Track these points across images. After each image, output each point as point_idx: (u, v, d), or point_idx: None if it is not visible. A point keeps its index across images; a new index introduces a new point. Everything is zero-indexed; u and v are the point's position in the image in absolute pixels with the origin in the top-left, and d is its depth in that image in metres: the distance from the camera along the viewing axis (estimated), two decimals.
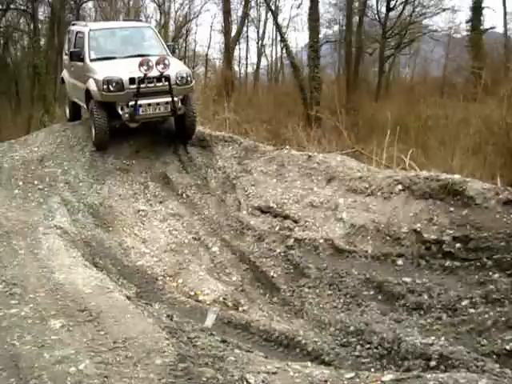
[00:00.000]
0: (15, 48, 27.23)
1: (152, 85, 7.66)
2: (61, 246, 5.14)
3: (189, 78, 8.06)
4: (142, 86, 7.59)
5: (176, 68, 8.01)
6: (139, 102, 7.67)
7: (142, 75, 7.52)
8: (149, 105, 7.78)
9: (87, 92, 8.14)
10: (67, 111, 10.06)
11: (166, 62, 7.62)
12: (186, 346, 3.21)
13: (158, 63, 7.57)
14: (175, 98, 7.82)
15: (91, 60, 8.35)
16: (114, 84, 7.66)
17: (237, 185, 7.27)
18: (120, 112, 7.80)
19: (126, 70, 7.82)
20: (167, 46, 9.07)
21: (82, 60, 8.46)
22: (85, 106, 8.62)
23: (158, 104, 7.80)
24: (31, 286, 4.00)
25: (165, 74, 7.60)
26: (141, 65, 7.51)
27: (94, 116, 7.95)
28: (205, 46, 33.02)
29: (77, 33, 9.24)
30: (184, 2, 28.74)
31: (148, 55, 8.13)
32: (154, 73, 7.57)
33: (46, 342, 3.12)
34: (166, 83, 7.65)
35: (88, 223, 6.82)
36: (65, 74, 10.05)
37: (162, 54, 8.39)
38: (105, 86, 7.68)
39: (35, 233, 5.54)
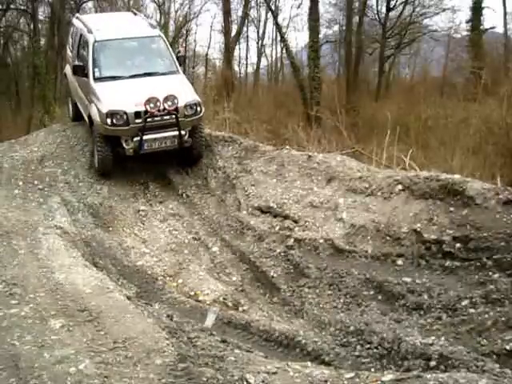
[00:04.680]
0: (15, 48, 27.19)
1: (159, 118, 7.24)
2: (61, 246, 5.14)
3: (198, 108, 7.60)
4: (149, 120, 7.18)
5: (185, 97, 7.51)
6: (145, 138, 7.24)
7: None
8: (155, 139, 7.33)
9: (90, 117, 7.74)
10: (70, 110, 9.74)
11: (175, 100, 7.22)
12: (186, 346, 3.21)
13: (165, 100, 7.19)
14: (182, 132, 7.41)
15: (95, 79, 7.77)
16: (118, 118, 7.20)
17: (237, 185, 7.27)
18: (124, 145, 7.36)
19: (131, 99, 7.28)
20: (177, 57, 8.42)
21: (86, 76, 7.90)
22: (87, 121, 8.18)
23: (164, 138, 7.37)
24: (31, 286, 4.00)
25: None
26: (148, 102, 7.11)
27: (96, 146, 7.55)
28: (205, 46, 32.95)
29: (81, 35, 8.65)
30: (184, 2, 28.71)
31: (156, 73, 7.90)
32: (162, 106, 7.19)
33: (46, 341, 3.12)
34: (174, 117, 7.26)
35: (88, 223, 6.83)
36: (68, 70, 9.52)
37: (171, 70, 8.06)
38: (108, 120, 7.21)
39: (35, 233, 5.54)
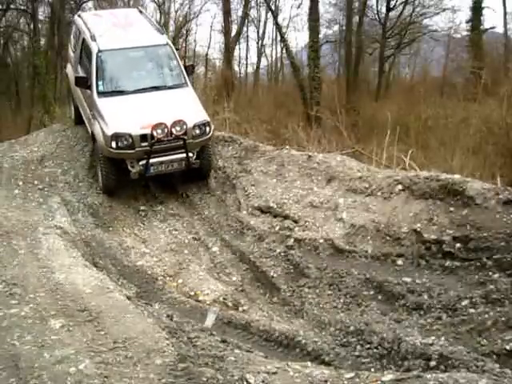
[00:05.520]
0: (15, 48, 27.19)
1: (165, 140, 6.88)
2: (61, 246, 5.14)
3: (207, 129, 7.21)
4: (155, 144, 6.83)
5: (193, 117, 7.13)
6: (151, 161, 6.90)
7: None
8: (161, 163, 7.00)
9: (93, 134, 7.40)
10: (72, 112, 9.41)
11: (184, 126, 6.90)
12: (186, 346, 3.21)
13: (173, 125, 6.86)
14: (190, 154, 7.08)
15: (99, 93, 7.34)
16: (123, 140, 6.82)
17: (237, 185, 7.27)
18: (129, 167, 7.02)
19: (137, 120, 6.90)
20: (185, 67, 8.01)
21: (89, 88, 7.49)
22: (90, 133, 7.82)
23: (171, 161, 7.04)
24: (31, 286, 4.00)
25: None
26: (155, 128, 6.77)
27: (100, 166, 7.27)
28: (205, 46, 32.96)
29: (83, 41, 8.15)
30: (184, 2, 28.70)
31: (163, 87, 7.57)
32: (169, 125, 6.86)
33: (46, 341, 3.12)
34: (182, 140, 6.94)
35: (88, 223, 6.83)
36: (69, 70, 9.27)
37: (179, 83, 7.70)
38: (113, 143, 6.83)
39: (35, 233, 5.54)
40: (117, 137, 6.82)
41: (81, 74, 8.15)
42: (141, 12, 9.13)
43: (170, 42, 8.26)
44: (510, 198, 4.78)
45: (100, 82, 7.44)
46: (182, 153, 7.03)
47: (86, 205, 7.23)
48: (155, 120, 6.82)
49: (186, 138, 6.91)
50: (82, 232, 6.44)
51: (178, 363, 2.85)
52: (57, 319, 3.41)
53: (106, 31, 8.01)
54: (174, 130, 6.85)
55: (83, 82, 7.59)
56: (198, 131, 7.11)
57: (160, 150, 6.91)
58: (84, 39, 8.13)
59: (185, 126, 6.89)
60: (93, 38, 7.77)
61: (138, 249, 6.39)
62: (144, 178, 7.18)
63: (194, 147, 7.16)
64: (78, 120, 8.84)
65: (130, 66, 7.84)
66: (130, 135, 6.82)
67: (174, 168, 7.14)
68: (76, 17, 9.18)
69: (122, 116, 7.04)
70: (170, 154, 6.99)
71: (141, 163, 6.93)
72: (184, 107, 7.30)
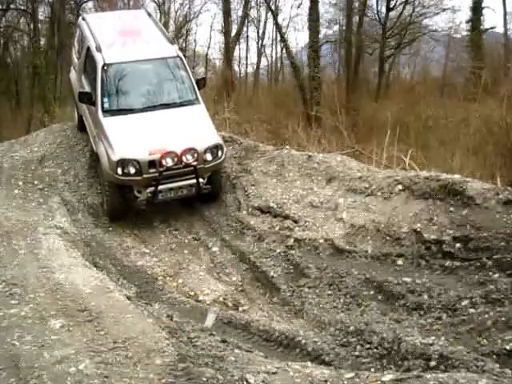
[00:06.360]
0: (15, 48, 27.23)
1: (175, 167, 6.46)
2: (61, 246, 5.14)
3: (220, 152, 6.75)
4: (164, 171, 6.40)
5: (206, 141, 6.68)
6: (159, 187, 6.48)
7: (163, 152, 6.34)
8: (170, 189, 6.57)
9: (97, 155, 6.97)
10: (76, 119, 8.96)
11: (195, 154, 6.47)
12: (186, 346, 3.21)
13: (184, 153, 6.42)
14: (201, 179, 6.67)
15: (104, 112, 6.86)
16: (129, 167, 6.36)
17: (237, 185, 7.27)
18: (136, 194, 6.59)
19: (145, 144, 6.42)
20: (197, 81, 7.45)
21: (94, 104, 7.01)
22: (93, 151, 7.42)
23: (180, 187, 6.61)
24: (31, 286, 4.00)
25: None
26: (164, 156, 6.33)
27: (105, 191, 6.85)
28: (205, 46, 33.07)
29: (88, 49, 7.61)
30: (184, 2, 28.79)
31: (173, 104, 7.09)
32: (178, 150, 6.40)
33: (45, 341, 3.12)
34: (192, 167, 6.51)
35: (88, 223, 6.83)
36: (73, 76, 8.83)
37: (189, 100, 7.22)
38: (119, 170, 6.37)
39: (35, 233, 5.54)
40: (123, 162, 6.36)
41: (85, 83, 7.79)
42: (149, 15, 8.62)
43: (180, 54, 7.65)
44: (510, 198, 4.78)
45: (105, 99, 6.96)
46: (192, 178, 6.62)
47: (85, 205, 7.23)
48: (164, 145, 6.40)
49: (196, 164, 6.52)
50: (81, 232, 6.44)
51: (178, 363, 2.85)
52: (57, 319, 3.41)
53: (112, 40, 7.50)
54: (184, 158, 6.43)
55: (87, 99, 7.11)
56: (209, 156, 6.68)
57: (169, 176, 6.51)
58: (89, 48, 7.61)
59: (196, 155, 6.49)
60: (98, 48, 7.25)
61: (138, 249, 6.39)
62: (151, 204, 6.72)
63: (205, 172, 6.75)
64: (82, 126, 8.46)
65: (138, 80, 7.35)
66: (138, 161, 6.36)
67: (184, 194, 6.72)
68: (80, 20, 8.54)
69: (129, 139, 6.55)
70: (179, 179, 6.59)
71: (148, 190, 6.51)
72: (195, 130, 6.82)
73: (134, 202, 6.62)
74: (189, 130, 6.76)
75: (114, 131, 6.63)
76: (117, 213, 6.85)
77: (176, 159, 6.40)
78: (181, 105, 7.16)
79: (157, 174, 6.39)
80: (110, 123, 6.74)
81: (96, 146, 7.07)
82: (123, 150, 6.42)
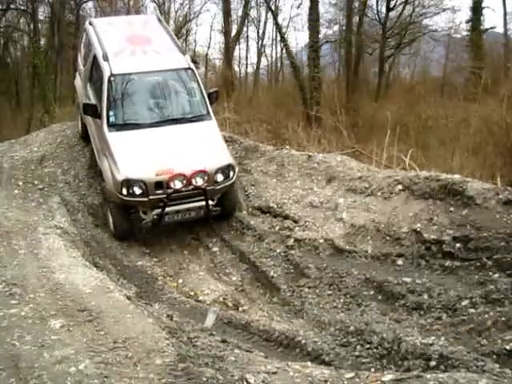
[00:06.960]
0: (15, 48, 27.25)
1: (183, 190, 6.09)
2: (61, 246, 5.14)
3: (231, 173, 6.37)
4: (172, 194, 6.05)
5: (216, 160, 6.29)
6: (166, 209, 6.11)
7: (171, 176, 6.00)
8: (177, 212, 6.20)
9: (101, 172, 6.67)
10: (79, 127, 8.68)
11: (205, 177, 6.09)
12: (186, 346, 3.21)
13: (193, 176, 6.05)
14: (210, 202, 6.28)
15: (109, 126, 6.51)
16: (135, 187, 6.01)
17: (237, 185, 7.26)
18: (141, 215, 6.26)
19: (152, 163, 6.06)
20: (209, 94, 7.08)
21: (99, 117, 6.68)
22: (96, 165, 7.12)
23: (188, 210, 6.24)
24: (31, 286, 4.00)
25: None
26: (172, 179, 5.99)
27: (110, 211, 6.52)
28: (205, 46, 33.05)
29: (94, 57, 7.27)
30: (184, 2, 28.77)
31: (183, 119, 6.73)
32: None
33: (46, 341, 3.12)
34: (201, 190, 6.15)
35: (88, 223, 6.83)
36: (78, 83, 8.54)
37: (200, 115, 6.84)
38: (124, 190, 6.02)
39: (35, 233, 5.54)
40: (128, 182, 6.01)
41: (90, 93, 7.53)
42: (160, 21, 8.14)
43: (192, 65, 7.19)
44: (510, 198, 4.78)
45: (111, 113, 6.60)
46: (201, 200, 6.24)
47: (85, 205, 7.23)
48: (173, 166, 6.05)
49: (206, 186, 6.16)
50: (81, 232, 6.44)
51: (178, 363, 2.85)
52: (57, 319, 3.41)
53: (120, 48, 7.15)
54: (193, 180, 6.07)
55: (92, 111, 6.80)
56: (220, 177, 6.31)
57: (177, 198, 6.14)
58: (95, 56, 7.27)
59: (206, 177, 6.11)
60: (105, 57, 6.88)
61: (138, 249, 6.39)
62: (157, 226, 6.37)
63: (216, 194, 6.38)
64: (85, 135, 8.18)
65: (147, 93, 6.96)
66: (144, 182, 6.00)
67: (192, 216, 6.35)
68: (87, 24, 8.13)
69: (136, 158, 6.18)
70: (187, 201, 6.22)
71: (154, 212, 6.15)
72: (206, 149, 6.41)
73: (139, 223, 6.34)
74: (199, 149, 6.38)
75: (119, 148, 6.30)
76: (124, 233, 6.54)
77: (185, 181, 6.04)
78: (191, 120, 6.79)
79: (164, 196, 6.03)
80: (115, 139, 6.41)
81: (100, 161, 6.80)
82: (129, 169, 6.07)
